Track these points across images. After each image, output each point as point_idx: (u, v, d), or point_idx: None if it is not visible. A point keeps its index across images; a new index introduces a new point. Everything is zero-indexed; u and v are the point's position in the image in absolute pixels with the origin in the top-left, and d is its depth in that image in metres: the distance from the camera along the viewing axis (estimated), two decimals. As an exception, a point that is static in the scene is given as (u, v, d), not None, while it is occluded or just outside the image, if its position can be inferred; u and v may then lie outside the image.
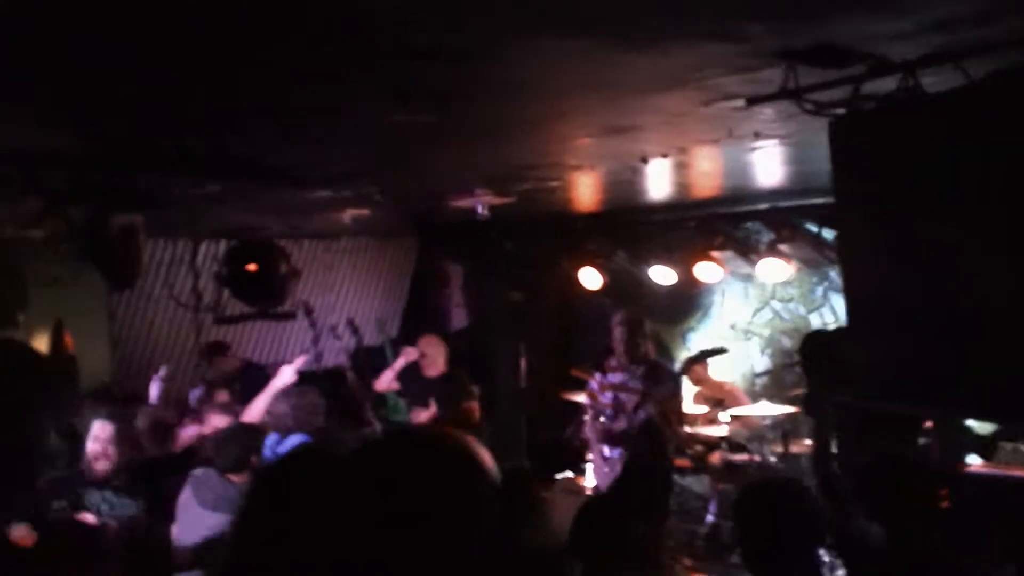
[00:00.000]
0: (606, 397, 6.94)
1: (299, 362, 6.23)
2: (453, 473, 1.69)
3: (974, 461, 6.05)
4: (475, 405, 7.73)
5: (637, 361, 6.85)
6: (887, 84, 3.27)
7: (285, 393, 5.85)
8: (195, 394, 7.44)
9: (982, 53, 3.02)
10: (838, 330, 6.64)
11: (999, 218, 2.82)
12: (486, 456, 1.77)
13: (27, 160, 4.32)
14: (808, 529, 2.95)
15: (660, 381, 6.66)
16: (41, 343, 6.78)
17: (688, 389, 8.43)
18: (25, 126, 3.86)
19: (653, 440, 6.62)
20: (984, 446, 6.29)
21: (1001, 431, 6.29)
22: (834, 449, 5.56)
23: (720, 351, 7.31)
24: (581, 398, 7.63)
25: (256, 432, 5.34)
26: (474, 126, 4.34)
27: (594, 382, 7.14)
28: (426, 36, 2.86)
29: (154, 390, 6.22)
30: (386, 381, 7.89)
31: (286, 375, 6.11)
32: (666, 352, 9.39)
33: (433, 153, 5.05)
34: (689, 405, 8.25)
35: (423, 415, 7.71)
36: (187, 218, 6.00)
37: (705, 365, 8.55)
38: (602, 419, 6.97)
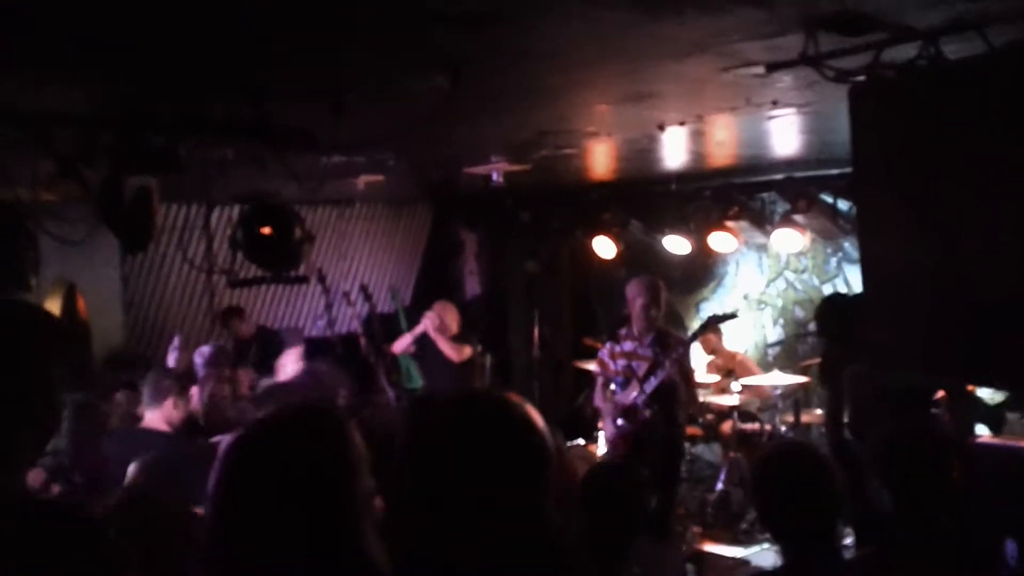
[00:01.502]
0: (617, 365, 6.93)
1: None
2: (533, 436, 1.71)
3: (982, 432, 6.07)
4: (468, 348, 8.05)
5: (649, 329, 6.83)
6: (908, 51, 3.25)
7: (310, 369, 6.07)
8: (200, 358, 7.47)
9: (1005, 21, 3.00)
10: (855, 296, 6.59)
11: (1020, 187, 2.81)
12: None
13: (37, 120, 4.31)
14: (830, 496, 2.94)
15: (670, 348, 6.64)
16: (54, 306, 6.80)
17: (700, 358, 8.44)
18: (34, 83, 3.85)
19: (664, 408, 6.64)
20: (994, 418, 6.30)
21: (1012, 403, 6.30)
22: (846, 417, 5.57)
23: (731, 316, 7.26)
24: (593, 367, 7.65)
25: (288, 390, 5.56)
26: (491, 90, 4.32)
27: (604, 350, 7.13)
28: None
29: (171, 358, 6.27)
30: (403, 344, 7.96)
31: None
32: (679, 322, 9.40)
33: (450, 118, 5.03)
34: (701, 374, 8.27)
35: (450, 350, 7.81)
36: (201, 183, 6.00)
37: (719, 335, 8.54)
38: (612, 387, 6.97)
